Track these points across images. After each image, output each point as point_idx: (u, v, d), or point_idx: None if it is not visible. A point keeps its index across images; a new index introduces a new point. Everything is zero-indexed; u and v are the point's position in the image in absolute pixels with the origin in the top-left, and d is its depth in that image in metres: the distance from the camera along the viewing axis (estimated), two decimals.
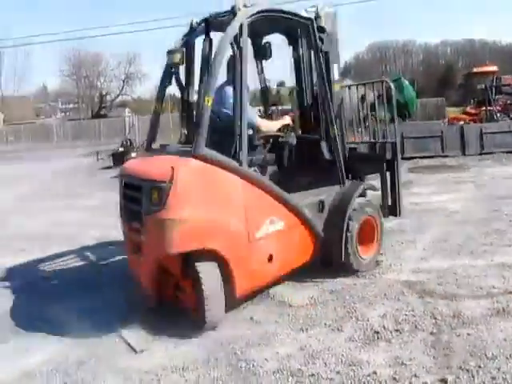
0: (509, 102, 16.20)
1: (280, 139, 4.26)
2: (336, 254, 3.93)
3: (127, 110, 46.99)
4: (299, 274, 4.01)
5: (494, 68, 22.15)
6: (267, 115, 4.71)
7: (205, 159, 3.25)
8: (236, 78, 3.47)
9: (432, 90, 44.04)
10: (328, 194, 4.04)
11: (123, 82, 48.55)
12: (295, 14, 4.01)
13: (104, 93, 49.00)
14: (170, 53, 3.81)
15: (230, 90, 3.68)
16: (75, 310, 3.69)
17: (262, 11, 3.67)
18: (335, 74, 4.22)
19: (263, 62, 4.64)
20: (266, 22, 3.97)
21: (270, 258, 3.56)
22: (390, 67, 57.82)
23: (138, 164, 3.85)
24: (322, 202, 3.97)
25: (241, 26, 3.45)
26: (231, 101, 3.57)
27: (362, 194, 4.23)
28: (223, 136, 3.44)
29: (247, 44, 3.53)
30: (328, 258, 4.02)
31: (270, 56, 4.41)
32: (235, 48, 3.46)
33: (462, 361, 2.64)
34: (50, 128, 34.05)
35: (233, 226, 3.34)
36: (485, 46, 57.42)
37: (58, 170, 14.85)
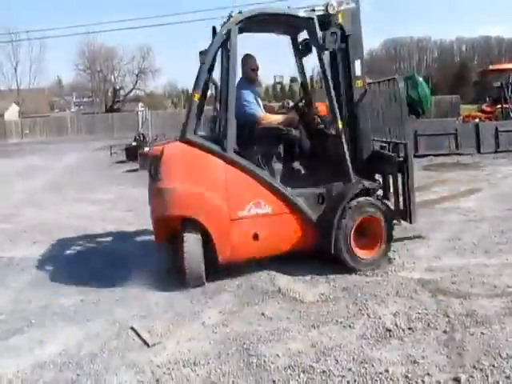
0: None
1: (282, 132, 4.37)
2: (326, 246, 3.99)
3: (140, 104, 47.28)
4: (310, 271, 4.03)
5: (510, 65, 21.77)
6: (298, 109, 4.81)
7: (190, 143, 3.91)
8: (222, 76, 4.02)
9: (447, 87, 43.59)
10: (330, 188, 4.11)
11: (137, 76, 48.81)
12: (291, 15, 4.17)
13: (118, 87, 49.32)
14: (201, 53, 4.17)
15: (242, 90, 4.22)
16: (89, 301, 3.74)
17: (253, 16, 4.04)
18: (357, 70, 4.18)
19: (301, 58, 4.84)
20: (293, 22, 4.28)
21: (256, 237, 3.94)
22: (404, 64, 57.25)
23: (155, 146, 4.45)
24: (321, 195, 4.08)
25: (229, 31, 3.91)
26: (242, 101, 4.16)
27: (366, 194, 4.11)
28: (238, 130, 3.94)
29: (236, 47, 3.93)
30: (322, 249, 4.09)
31: (310, 52, 4.49)
32: (225, 51, 3.95)
33: (476, 360, 2.61)
34: (65, 121, 34.41)
35: (214, 202, 3.88)
36: (501, 43, 56.52)
37: (72, 163, 15.01)
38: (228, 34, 3.91)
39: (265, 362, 2.74)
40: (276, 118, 4.45)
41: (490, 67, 22.56)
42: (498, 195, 6.71)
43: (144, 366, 2.77)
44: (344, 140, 4.11)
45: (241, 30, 4.02)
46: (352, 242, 4.01)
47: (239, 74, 4.22)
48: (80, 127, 33.34)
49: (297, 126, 4.49)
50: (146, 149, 12.77)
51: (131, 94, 50.10)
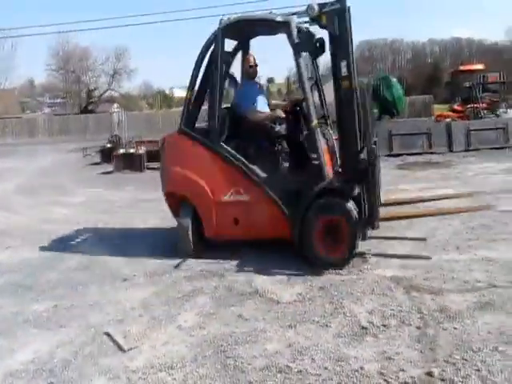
0: (494, 99, 16.41)
1: (265, 128, 4.61)
2: (293, 241, 4.19)
3: (115, 105, 46.53)
4: (288, 271, 4.06)
5: (480, 66, 22.44)
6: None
7: (185, 134, 4.62)
8: (211, 75, 4.48)
9: (420, 87, 44.44)
10: (304, 185, 4.22)
11: (111, 77, 48.08)
12: (269, 20, 4.46)
13: (92, 88, 48.47)
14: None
15: (242, 89, 4.88)
16: (63, 307, 3.66)
17: (235, 22, 4.48)
18: (343, 71, 4.14)
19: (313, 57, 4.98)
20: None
21: (236, 222, 4.42)
22: (378, 65, 58.18)
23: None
24: (295, 191, 4.24)
25: (215, 35, 4.41)
26: (238, 96, 4.80)
27: (339, 195, 4.11)
28: (239, 124, 4.59)
29: (220, 48, 4.43)
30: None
31: (323, 52, 4.50)
32: (213, 52, 4.46)
33: (448, 354, 2.66)
34: (37, 123, 33.58)
35: (201, 184, 4.46)
36: (471, 45, 58.01)
37: (45, 166, 14.67)
38: (215, 37, 4.43)
39: (242, 363, 2.74)
40: (261, 115, 4.71)
41: (461, 68, 23.18)
42: (470, 192, 6.87)
43: (119, 372, 2.73)
44: (318, 139, 4.18)
45: (229, 35, 4.57)
46: (315, 240, 4.09)
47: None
48: (53, 129, 32.61)
49: (281, 123, 4.69)
50: (121, 150, 12.66)
51: (106, 94, 49.30)
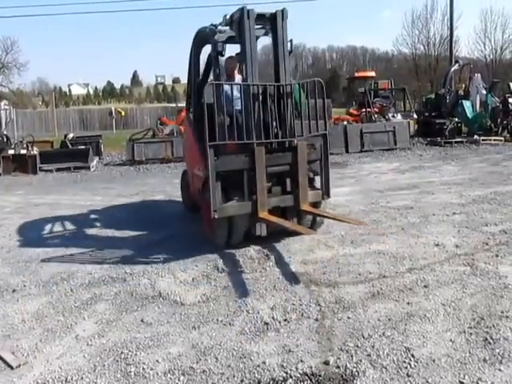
0: (384, 104, 17.86)
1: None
2: None
3: (4, 102, 42.54)
4: (192, 272, 4.03)
5: (372, 73, 24.27)
6: None
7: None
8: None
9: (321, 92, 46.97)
10: None
11: None
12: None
13: None
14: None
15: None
16: None
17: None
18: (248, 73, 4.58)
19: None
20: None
21: (199, 191, 5.15)
22: None
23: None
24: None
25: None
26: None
27: None
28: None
29: (192, 51, 5.46)
30: None
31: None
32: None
33: (343, 342, 2.84)
34: None
35: (190, 158, 5.88)
36: (365, 53, 62.70)
37: None
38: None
39: (143, 369, 2.67)
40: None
41: (356, 74, 24.83)
42: (364, 190, 7.41)
43: None
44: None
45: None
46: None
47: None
48: None
49: None
50: (11, 151, 11.65)
51: None
